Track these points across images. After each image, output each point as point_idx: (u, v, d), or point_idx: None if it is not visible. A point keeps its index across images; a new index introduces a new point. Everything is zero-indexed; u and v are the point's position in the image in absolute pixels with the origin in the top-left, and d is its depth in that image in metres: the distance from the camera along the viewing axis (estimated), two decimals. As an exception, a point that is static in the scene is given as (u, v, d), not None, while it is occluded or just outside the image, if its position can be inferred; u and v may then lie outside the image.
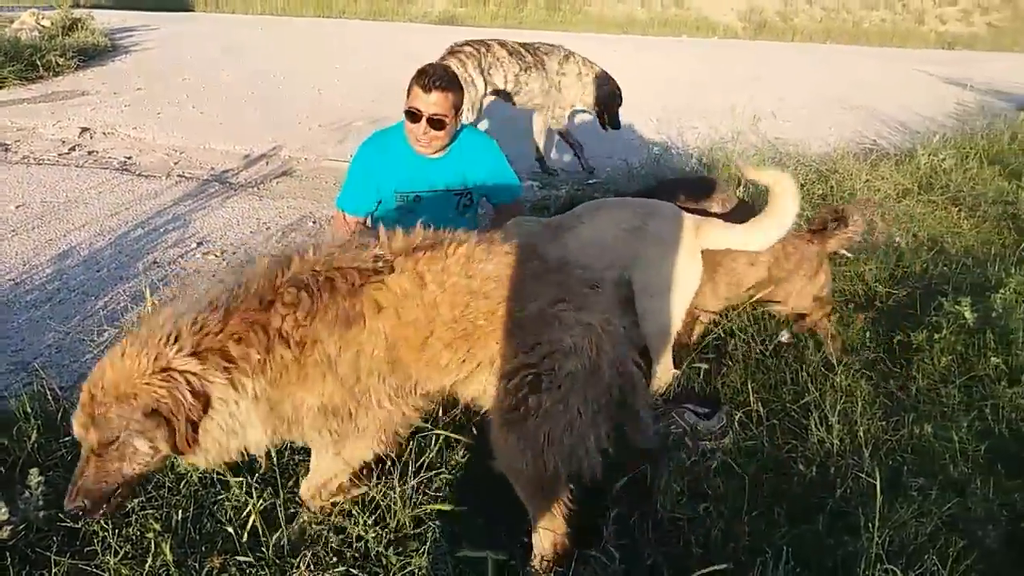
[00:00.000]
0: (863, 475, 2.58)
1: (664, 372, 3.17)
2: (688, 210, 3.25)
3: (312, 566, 2.22)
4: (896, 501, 2.47)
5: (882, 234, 4.94)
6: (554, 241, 3.11)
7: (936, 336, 3.42)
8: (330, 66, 10.20)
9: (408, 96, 3.51)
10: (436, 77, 3.45)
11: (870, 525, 2.28)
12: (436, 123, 3.48)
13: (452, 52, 5.80)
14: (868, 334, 3.61)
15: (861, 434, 2.81)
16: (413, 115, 3.48)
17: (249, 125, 7.39)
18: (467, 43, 5.88)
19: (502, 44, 5.94)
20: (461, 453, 2.67)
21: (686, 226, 3.08)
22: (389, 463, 2.53)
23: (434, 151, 3.62)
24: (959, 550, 2.29)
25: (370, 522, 2.34)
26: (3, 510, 2.16)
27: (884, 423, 2.93)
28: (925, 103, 9.09)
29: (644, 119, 7.94)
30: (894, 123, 7.33)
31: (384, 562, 2.25)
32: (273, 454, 2.60)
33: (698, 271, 3.11)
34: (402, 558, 2.24)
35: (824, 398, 2.98)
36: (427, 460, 2.54)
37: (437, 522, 2.38)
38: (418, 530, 2.36)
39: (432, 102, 3.44)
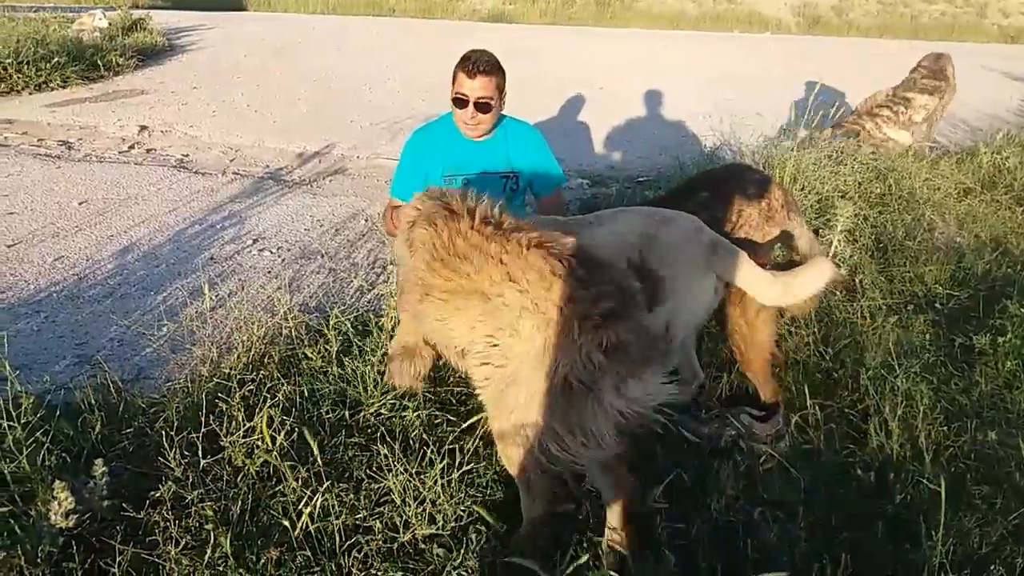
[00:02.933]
0: (924, 481, 2.52)
1: None
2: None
3: (362, 563, 2.25)
4: (959, 509, 2.41)
5: (943, 234, 4.82)
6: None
7: (1000, 340, 3.32)
8: (381, 64, 10.28)
9: (453, 83, 3.63)
10: (479, 62, 3.56)
11: (932, 533, 2.23)
12: (482, 106, 3.61)
13: None
14: (928, 337, 3.52)
15: (922, 440, 2.73)
16: (460, 101, 3.60)
17: (302, 123, 7.49)
18: None
19: None
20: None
21: (701, 242, 2.81)
22: (431, 454, 2.55)
23: (480, 134, 3.73)
24: (1026, 561, 2.22)
25: (419, 515, 2.36)
26: (69, 499, 2.20)
27: (946, 429, 2.85)
28: (987, 99, 8.83)
29: (696, 116, 7.86)
30: (955, 120, 7.14)
31: (432, 559, 2.26)
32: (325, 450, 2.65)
33: (706, 292, 2.81)
34: (452, 557, 2.25)
35: (883, 402, 2.91)
36: (468, 455, 2.57)
37: (480, 522, 2.38)
38: (463, 525, 2.37)
39: (478, 87, 3.56)
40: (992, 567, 2.20)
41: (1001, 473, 2.66)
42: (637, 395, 2.10)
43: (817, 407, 2.91)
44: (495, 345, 2.23)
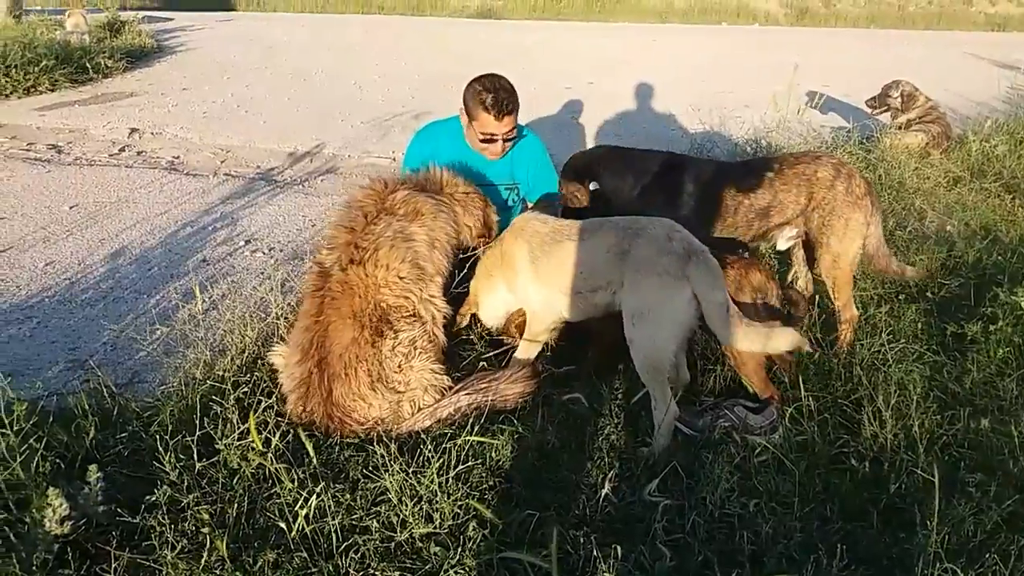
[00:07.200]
0: (918, 471, 2.53)
1: (663, 406, 2.79)
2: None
3: (359, 563, 2.25)
4: (953, 498, 2.42)
5: (933, 223, 4.83)
6: (551, 247, 3.05)
7: (992, 327, 3.33)
8: (370, 63, 10.27)
9: (476, 120, 3.64)
10: (506, 103, 3.59)
11: (927, 522, 2.24)
12: (510, 139, 3.73)
13: None
14: (920, 326, 3.53)
15: (916, 429, 2.75)
16: (490, 140, 3.66)
17: (293, 123, 7.47)
18: None
19: None
20: (496, 449, 2.68)
21: (673, 251, 2.74)
22: (427, 452, 2.55)
23: None
24: (1021, 548, 2.23)
25: (416, 513, 2.36)
26: (63, 506, 2.20)
27: (939, 417, 2.86)
28: (975, 87, 8.85)
29: (685, 109, 7.86)
30: (943, 109, 7.15)
31: (429, 558, 2.26)
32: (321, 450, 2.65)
33: (681, 304, 2.70)
34: (450, 555, 2.25)
35: (877, 391, 2.92)
36: (464, 452, 2.56)
37: (478, 519, 2.37)
38: (459, 523, 2.37)
39: (505, 125, 3.63)
40: (987, 555, 2.20)
41: (994, 460, 2.67)
42: None
43: (811, 397, 2.91)
44: None
